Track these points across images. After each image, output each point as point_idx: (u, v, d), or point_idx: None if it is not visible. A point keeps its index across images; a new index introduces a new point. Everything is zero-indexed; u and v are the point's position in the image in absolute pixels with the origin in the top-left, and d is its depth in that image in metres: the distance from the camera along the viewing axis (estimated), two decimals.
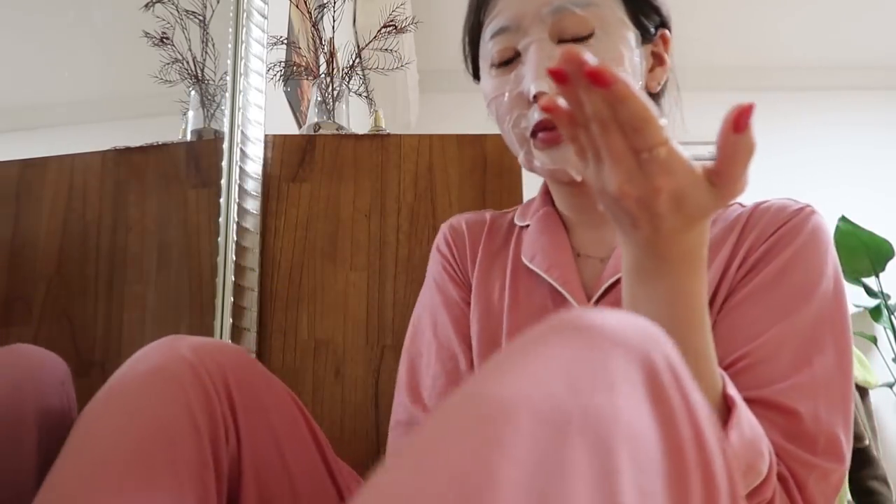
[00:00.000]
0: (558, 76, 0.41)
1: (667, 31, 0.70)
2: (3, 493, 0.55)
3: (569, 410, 0.28)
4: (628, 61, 0.64)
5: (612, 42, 0.64)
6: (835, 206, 3.07)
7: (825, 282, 0.58)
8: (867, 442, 1.42)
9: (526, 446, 0.27)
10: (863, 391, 1.55)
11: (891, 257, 2.99)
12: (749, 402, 0.53)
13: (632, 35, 0.66)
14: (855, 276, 3.05)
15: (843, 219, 3.01)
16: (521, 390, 0.29)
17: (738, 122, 0.40)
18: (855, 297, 3.10)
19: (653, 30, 0.69)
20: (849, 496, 1.38)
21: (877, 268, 3.01)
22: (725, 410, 0.48)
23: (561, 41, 0.64)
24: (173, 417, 0.53)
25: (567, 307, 0.65)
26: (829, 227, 0.63)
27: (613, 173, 0.43)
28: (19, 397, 0.58)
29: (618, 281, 0.64)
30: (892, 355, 2.98)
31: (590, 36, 0.63)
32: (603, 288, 0.65)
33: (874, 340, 3.05)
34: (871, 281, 3.06)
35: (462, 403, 0.30)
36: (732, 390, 0.48)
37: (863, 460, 1.44)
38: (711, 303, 0.60)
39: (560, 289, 0.66)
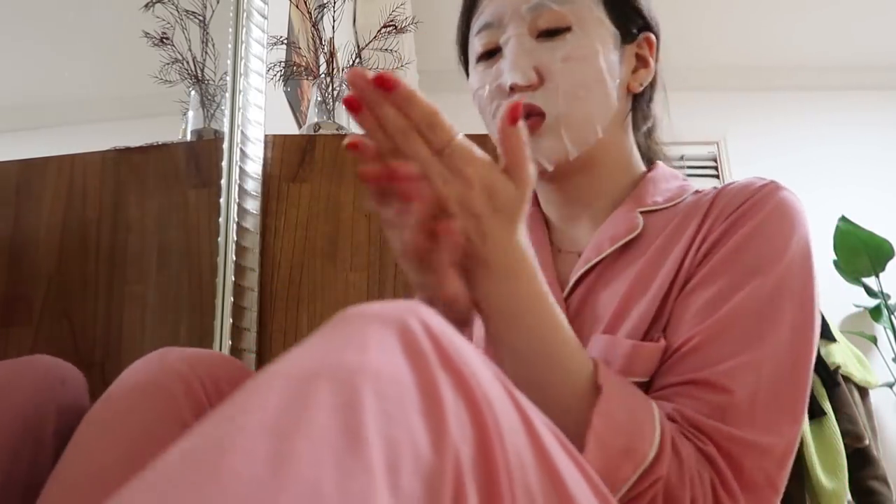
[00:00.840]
0: (350, 104, 0.45)
1: (652, 35, 0.72)
2: (25, 493, 0.56)
3: (318, 369, 0.31)
4: (603, 58, 0.66)
5: (589, 39, 0.66)
6: (835, 206, 3.07)
7: (789, 254, 0.57)
8: (867, 442, 1.42)
9: (273, 399, 0.30)
10: (863, 391, 1.55)
11: (891, 257, 2.99)
12: (685, 383, 0.54)
13: (609, 34, 0.68)
14: (855, 276, 3.05)
15: (843, 219, 3.00)
16: (279, 367, 0.32)
17: (513, 116, 0.47)
18: (855, 297, 3.10)
19: (635, 31, 0.71)
20: (849, 496, 1.37)
21: (877, 268, 3.01)
22: (595, 397, 0.50)
23: (539, 35, 0.66)
24: (166, 430, 0.54)
25: None
26: (798, 201, 0.61)
27: (432, 176, 0.46)
28: (41, 408, 0.59)
29: (584, 273, 0.66)
30: (892, 355, 2.98)
31: (567, 30, 0.66)
32: (572, 282, 0.67)
33: (874, 340, 3.05)
34: (871, 281, 3.05)
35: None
36: (604, 378, 0.51)
37: (863, 460, 1.43)
38: (670, 288, 0.60)
39: None
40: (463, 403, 0.34)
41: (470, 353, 0.37)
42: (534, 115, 0.66)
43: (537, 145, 0.66)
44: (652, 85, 0.74)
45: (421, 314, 0.36)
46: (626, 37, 0.70)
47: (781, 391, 0.54)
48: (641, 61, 0.72)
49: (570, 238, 0.73)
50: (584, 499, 0.40)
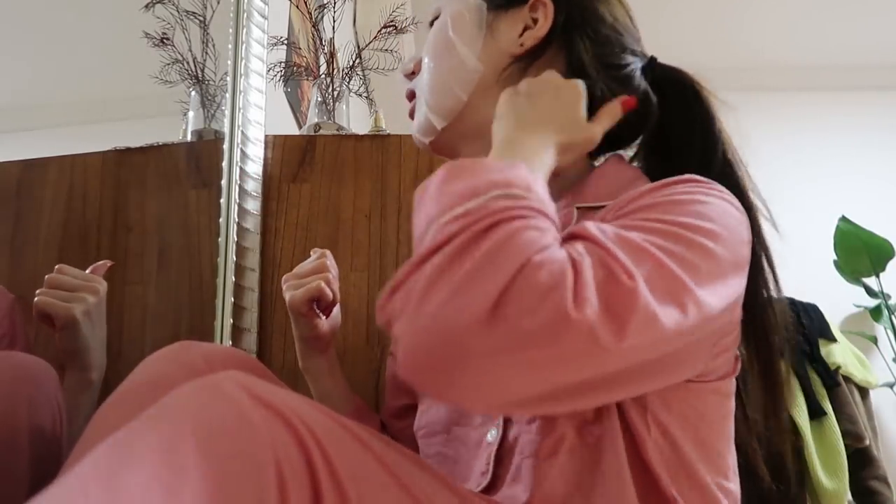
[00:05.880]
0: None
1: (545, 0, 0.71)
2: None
3: (138, 427, 0.38)
4: (453, 28, 0.72)
5: (444, 17, 0.74)
6: (835, 206, 3.07)
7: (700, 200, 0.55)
8: (867, 442, 1.42)
9: (102, 450, 0.37)
10: (863, 391, 1.55)
11: (891, 257, 2.99)
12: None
13: (468, 7, 0.72)
14: (855, 276, 3.05)
15: (843, 219, 3.00)
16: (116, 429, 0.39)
17: None
18: (855, 297, 3.10)
19: None
20: (849, 496, 1.38)
21: (877, 268, 3.00)
22: None
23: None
24: None
25: None
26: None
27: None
28: (14, 406, 0.59)
29: None
30: (893, 355, 2.98)
31: (436, 19, 0.75)
32: None
33: (874, 340, 3.05)
34: (871, 281, 3.05)
35: None
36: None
37: (863, 460, 1.44)
38: None
39: None
40: (277, 421, 0.41)
41: (280, 392, 0.44)
42: (412, 99, 0.75)
43: (414, 124, 0.74)
44: (571, 49, 0.70)
45: (232, 375, 0.43)
46: (503, 4, 0.71)
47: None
48: (535, 22, 0.71)
49: None
50: (412, 479, 0.46)
